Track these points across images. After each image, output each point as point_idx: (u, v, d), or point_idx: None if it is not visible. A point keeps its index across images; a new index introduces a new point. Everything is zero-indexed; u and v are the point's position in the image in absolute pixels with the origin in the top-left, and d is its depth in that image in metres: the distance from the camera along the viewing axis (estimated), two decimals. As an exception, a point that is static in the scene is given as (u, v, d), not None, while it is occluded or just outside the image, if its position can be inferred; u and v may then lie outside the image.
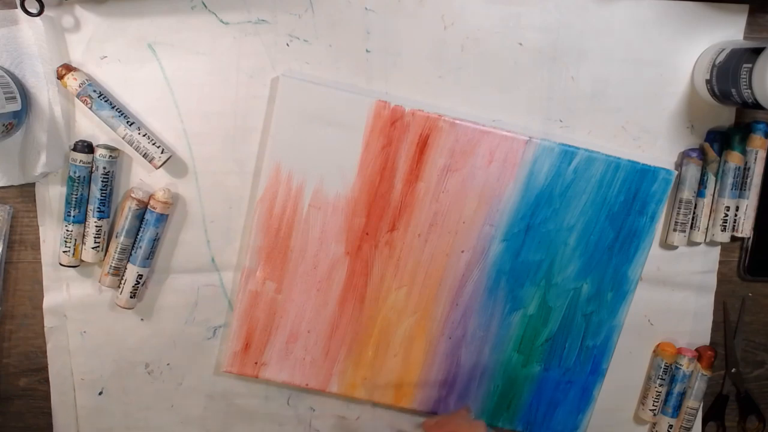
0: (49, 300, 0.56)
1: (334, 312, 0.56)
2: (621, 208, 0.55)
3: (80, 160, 0.51)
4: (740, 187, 0.56)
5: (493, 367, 0.58)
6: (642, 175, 0.54)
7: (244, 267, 0.55)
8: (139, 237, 0.54)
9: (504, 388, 0.59)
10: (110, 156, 0.52)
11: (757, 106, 0.49)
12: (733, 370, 0.62)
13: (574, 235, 0.55)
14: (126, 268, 0.54)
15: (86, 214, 0.53)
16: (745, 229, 0.57)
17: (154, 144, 0.51)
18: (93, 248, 0.53)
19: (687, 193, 0.56)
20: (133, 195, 0.53)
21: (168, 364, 0.58)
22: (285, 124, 0.52)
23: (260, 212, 0.54)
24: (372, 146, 0.53)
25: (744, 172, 0.56)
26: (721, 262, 0.59)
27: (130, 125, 0.51)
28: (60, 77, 0.50)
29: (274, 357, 0.57)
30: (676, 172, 0.56)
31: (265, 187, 0.53)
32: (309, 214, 0.54)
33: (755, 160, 0.56)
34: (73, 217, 0.53)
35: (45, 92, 0.51)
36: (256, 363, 0.57)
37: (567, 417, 0.59)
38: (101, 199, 0.52)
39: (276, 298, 0.55)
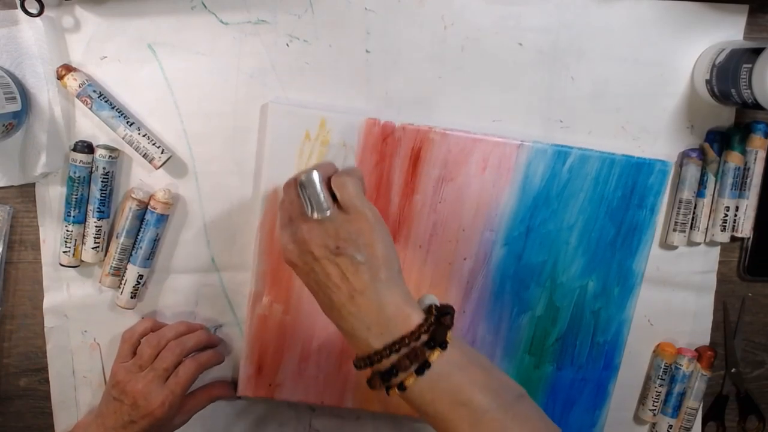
0: (50, 300, 0.56)
1: None
2: (620, 203, 0.55)
3: (80, 161, 0.51)
4: (740, 187, 0.56)
5: (506, 370, 0.58)
6: (638, 168, 0.54)
7: (251, 291, 0.55)
8: (139, 237, 0.54)
9: None
10: (110, 156, 0.52)
11: (757, 106, 0.49)
12: (733, 370, 0.62)
13: (575, 234, 0.55)
14: (126, 269, 0.54)
15: (86, 214, 0.53)
16: (745, 229, 0.57)
17: (154, 144, 0.51)
18: (93, 248, 0.53)
19: (687, 193, 0.56)
20: (133, 195, 0.53)
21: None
22: (278, 148, 0.52)
23: (262, 237, 0.54)
24: (366, 163, 0.53)
25: (744, 172, 0.56)
26: (721, 262, 0.59)
27: (130, 125, 0.51)
28: (60, 77, 0.50)
29: (287, 377, 0.57)
30: (673, 163, 0.55)
31: (263, 212, 0.53)
32: None
33: (755, 160, 0.56)
34: (73, 217, 0.53)
35: (45, 92, 0.51)
36: (270, 385, 0.57)
37: (584, 414, 0.59)
38: (101, 200, 0.52)
39: (284, 319, 0.55)
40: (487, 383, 0.41)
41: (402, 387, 0.40)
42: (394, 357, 0.40)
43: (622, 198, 0.55)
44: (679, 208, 0.57)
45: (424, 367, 0.40)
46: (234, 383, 0.58)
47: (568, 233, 0.55)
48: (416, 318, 0.41)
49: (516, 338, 0.57)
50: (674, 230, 0.57)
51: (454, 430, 0.40)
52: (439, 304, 0.43)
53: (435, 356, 0.40)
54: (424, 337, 0.40)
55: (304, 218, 0.42)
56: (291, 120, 0.52)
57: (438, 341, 0.40)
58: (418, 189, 0.54)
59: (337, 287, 0.41)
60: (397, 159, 0.53)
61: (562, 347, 0.58)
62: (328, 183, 0.43)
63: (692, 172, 0.56)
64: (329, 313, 0.43)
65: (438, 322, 0.41)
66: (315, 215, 0.42)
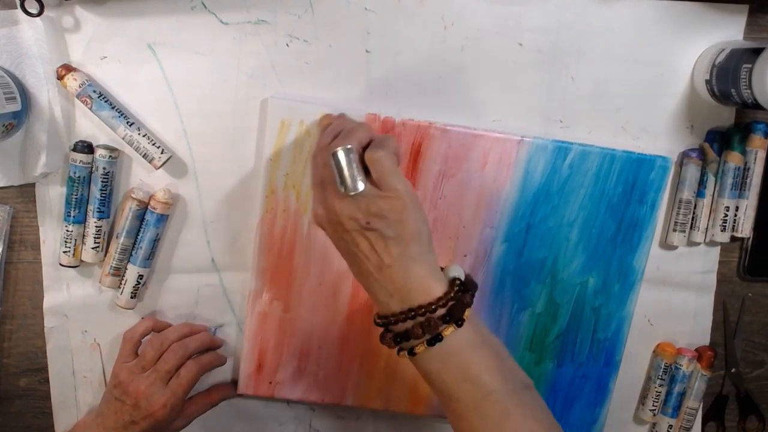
0: (50, 300, 0.56)
1: (343, 326, 0.56)
2: (620, 199, 0.55)
3: (80, 161, 0.51)
4: (740, 187, 0.56)
5: None
6: (638, 164, 0.54)
7: (251, 289, 0.55)
8: (139, 237, 0.54)
9: None
10: (110, 156, 0.52)
11: (756, 106, 0.49)
12: (733, 370, 0.62)
13: (575, 230, 0.55)
14: (126, 269, 0.54)
15: (86, 214, 0.53)
16: (745, 229, 0.57)
17: (154, 144, 0.51)
18: (93, 248, 0.53)
19: (687, 193, 0.56)
20: (133, 195, 0.53)
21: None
22: (278, 144, 0.52)
23: (262, 234, 0.54)
24: None
25: (744, 172, 0.56)
26: (720, 262, 0.59)
27: (130, 125, 0.51)
28: (60, 77, 0.50)
29: (287, 375, 0.57)
30: (673, 159, 0.55)
31: (263, 209, 0.53)
32: (310, 232, 0.54)
33: (755, 160, 0.56)
34: (73, 217, 0.53)
35: (45, 92, 0.51)
36: (270, 383, 0.57)
37: (585, 411, 0.59)
38: (101, 200, 0.52)
39: (284, 317, 0.56)
40: (497, 367, 0.41)
41: (412, 352, 0.41)
42: (409, 323, 0.41)
43: (623, 194, 0.55)
44: (679, 208, 0.57)
45: (435, 339, 0.40)
46: (234, 383, 0.58)
47: (568, 229, 0.55)
48: (438, 291, 0.41)
49: (516, 335, 0.58)
50: (674, 230, 0.57)
51: (457, 404, 0.41)
52: (464, 278, 0.43)
53: (449, 331, 0.40)
54: (441, 311, 0.41)
55: (335, 188, 0.42)
56: (291, 115, 0.52)
57: (455, 318, 0.41)
58: (419, 185, 0.54)
59: (365, 257, 0.42)
60: None
61: (563, 344, 0.58)
62: (361, 155, 0.42)
63: (692, 172, 0.56)
64: (357, 276, 0.44)
65: (458, 299, 0.41)
66: (346, 191, 0.41)
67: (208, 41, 0.52)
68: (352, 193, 0.41)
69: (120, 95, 0.52)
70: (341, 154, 0.41)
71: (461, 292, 0.42)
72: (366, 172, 0.42)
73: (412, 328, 0.41)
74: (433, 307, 0.41)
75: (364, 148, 0.43)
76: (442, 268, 0.44)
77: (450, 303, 0.41)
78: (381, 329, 0.44)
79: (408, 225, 0.41)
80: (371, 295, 0.43)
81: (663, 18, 0.53)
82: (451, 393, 0.41)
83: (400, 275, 0.41)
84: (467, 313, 0.41)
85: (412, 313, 0.41)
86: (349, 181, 0.41)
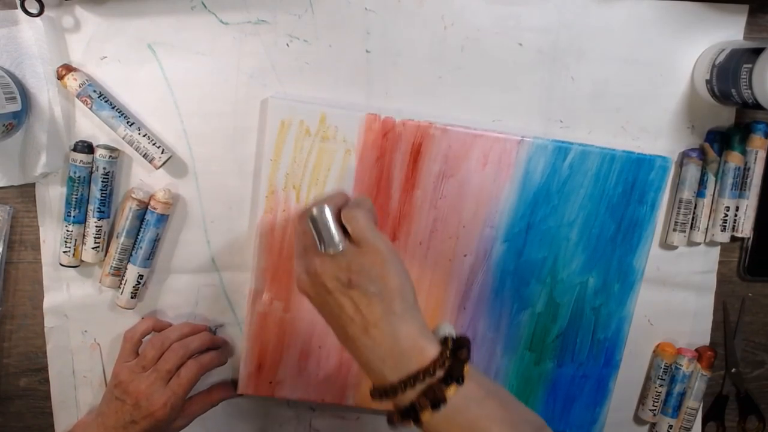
0: (50, 300, 0.56)
1: None
2: (620, 199, 0.55)
3: (80, 161, 0.51)
4: (740, 187, 0.56)
5: (506, 367, 0.58)
6: (638, 164, 0.54)
7: (251, 289, 0.55)
8: (139, 237, 0.54)
9: (519, 387, 0.59)
10: (110, 156, 0.52)
11: (757, 106, 0.49)
12: (733, 370, 0.62)
13: (575, 230, 0.55)
14: (126, 269, 0.54)
15: (86, 214, 0.53)
16: (745, 229, 0.57)
17: (154, 144, 0.51)
18: (93, 248, 0.53)
19: (687, 193, 0.56)
20: (133, 195, 0.53)
21: (168, 364, 0.57)
22: (278, 144, 0.52)
23: (261, 234, 0.54)
24: (366, 159, 0.53)
25: (744, 172, 0.56)
26: (721, 262, 0.59)
27: (130, 125, 0.51)
28: (60, 77, 0.50)
29: (288, 375, 0.57)
30: (673, 159, 0.55)
31: (264, 209, 0.53)
32: None
33: (755, 160, 0.56)
34: (74, 217, 0.53)
35: (45, 92, 0.51)
36: (270, 382, 0.57)
37: (585, 411, 0.59)
38: (101, 200, 0.52)
39: (285, 317, 0.56)
40: (505, 417, 0.40)
41: (418, 420, 0.39)
42: (411, 393, 0.39)
43: (623, 194, 0.55)
44: (679, 208, 0.57)
45: (440, 402, 0.39)
46: (234, 382, 0.58)
47: (568, 229, 0.55)
48: (432, 351, 0.40)
49: (516, 335, 0.58)
50: (674, 230, 0.57)
51: None
52: (455, 335, 0.42)
53: (451, 392, 0.39)
54: (440, 373, 0.39)
55: (316, 251, 0.42)
56: (291, 115, 0.52)
57: (455, 376, 0.39)
58: (419, 185, 0.54)
59: (350, 319, 0.41)
60: (397, 154, 0.53)
61: (563, 344, 0.58)
62: (338, 215, 0.43)
63: (692, 172, 0.56)
64: (344, 343, 0.43)
65: (454, 356, 0.40)
66: (326, 250, 0.42)
67: (208, 41, 0.52)
68: (332, 252, 0.42)
69: (120, 95, 0.52)
70: (317, 213, 0.42)
71: (456, 348, 0.41)
72: (345, 232, 0.42)
73: (417, 400, 0.39)
74: (431, 370, 0.39)
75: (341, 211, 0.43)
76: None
77: (447, 362, 0.40)
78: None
79: (390, 280, 0.41)
80: (363, 366, 0.42)
81: (663, 18, 0.53)
82: None
83: (388, 335, 0.40)
84: (467, 368, 0.40)
85: (411, 381, 0.39)
86: (327, 239, 0.42)
